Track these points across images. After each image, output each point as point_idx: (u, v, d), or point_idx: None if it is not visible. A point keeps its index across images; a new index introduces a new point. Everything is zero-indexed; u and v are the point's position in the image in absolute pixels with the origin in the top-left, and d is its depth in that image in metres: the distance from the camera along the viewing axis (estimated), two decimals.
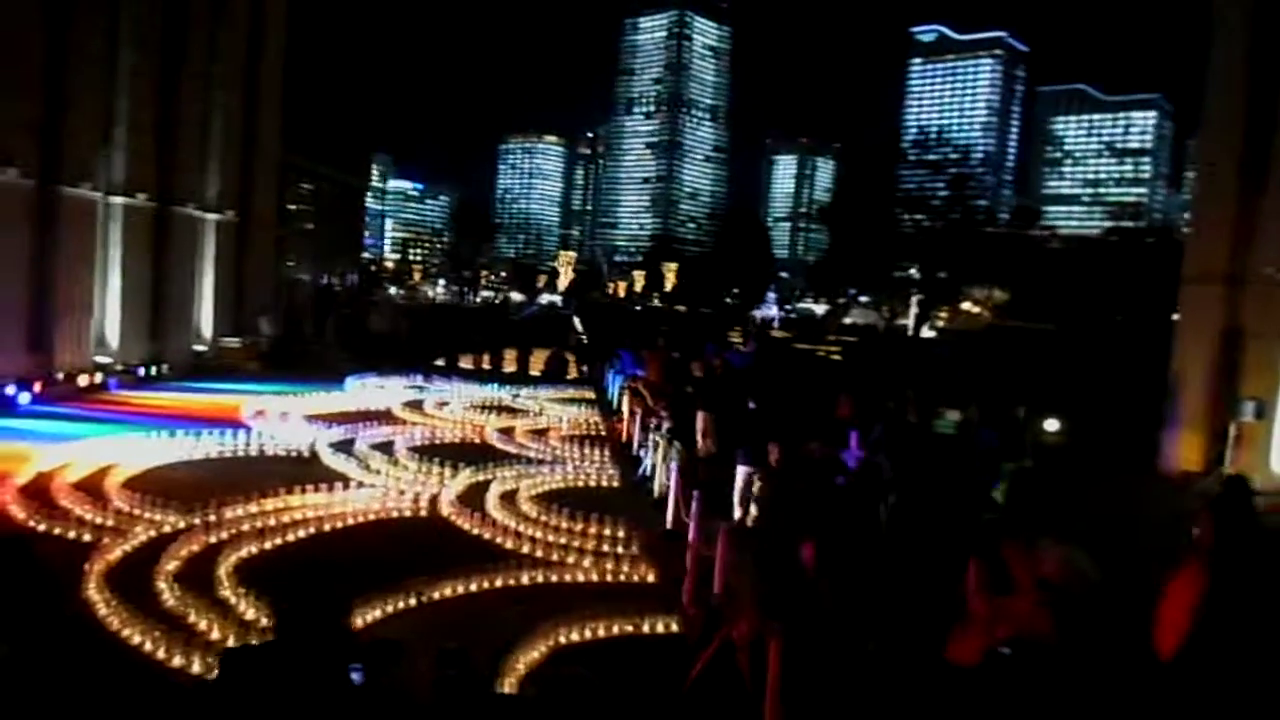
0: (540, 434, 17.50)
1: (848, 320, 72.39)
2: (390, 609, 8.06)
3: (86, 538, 9.64)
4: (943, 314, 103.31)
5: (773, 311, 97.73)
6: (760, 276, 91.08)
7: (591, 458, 15.39)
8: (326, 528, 10.42)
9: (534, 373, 27.14)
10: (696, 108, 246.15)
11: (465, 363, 28.21)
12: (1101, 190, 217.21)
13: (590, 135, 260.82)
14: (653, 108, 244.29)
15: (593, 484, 13.93)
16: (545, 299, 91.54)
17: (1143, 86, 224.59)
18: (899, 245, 70.88)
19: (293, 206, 51.53)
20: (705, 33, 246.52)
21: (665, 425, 13.66)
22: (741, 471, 10.47)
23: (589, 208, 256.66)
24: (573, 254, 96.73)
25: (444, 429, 17.08)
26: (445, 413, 18.97)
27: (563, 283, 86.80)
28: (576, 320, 68.45)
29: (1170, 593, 5.80)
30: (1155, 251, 68.51)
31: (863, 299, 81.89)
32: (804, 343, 44.37)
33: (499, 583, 9.05)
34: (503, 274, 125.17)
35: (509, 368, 27.88)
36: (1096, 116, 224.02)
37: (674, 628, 8.30)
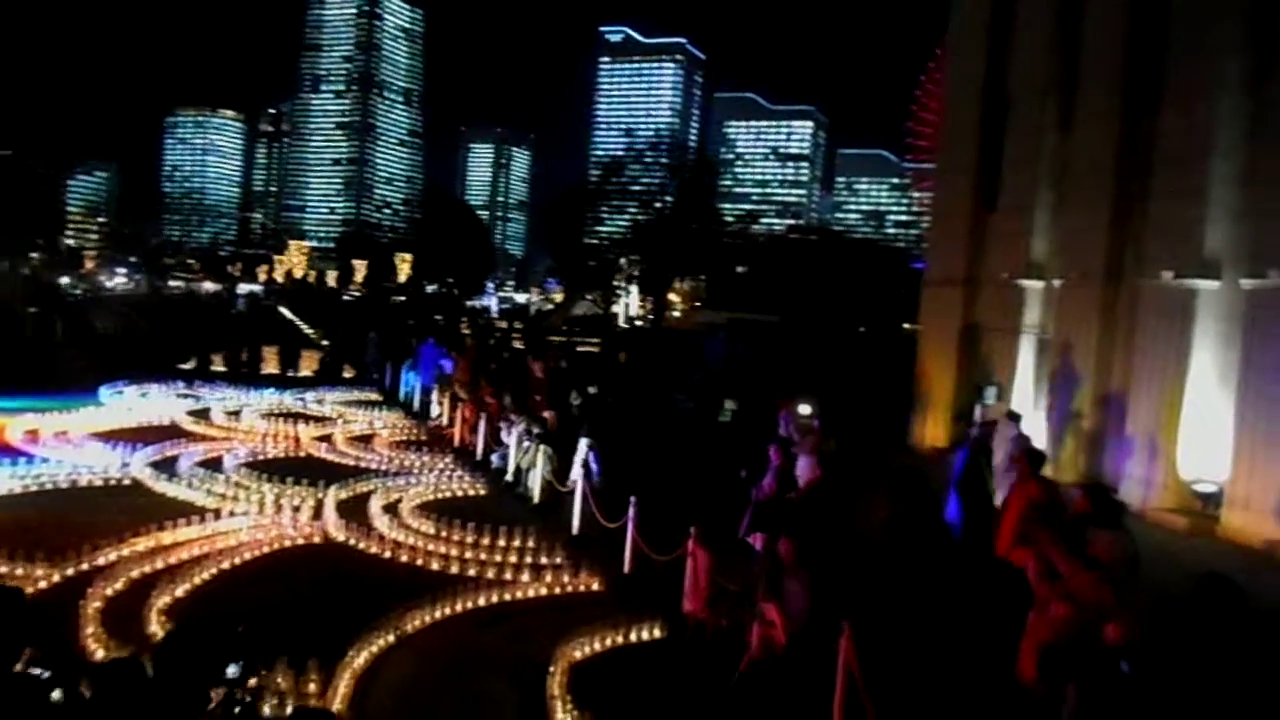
0: (364, 441, 16.67)
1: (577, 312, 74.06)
2: (375, 650, 7.59)
3: None
4: (646, 304, 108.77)
5: (491, 302, 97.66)
6: (478, 266, 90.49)
7: (438, 466, 14.96)
8: (226, 565, 9.44)
9: (306, 374, 25.46)
10: (389, 90, 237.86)
11: (218, 365, 25.87)
12: (769, 191, 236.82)
13: (273, 112, 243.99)
14: (343, 87, 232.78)
15: (460, 493, 13.60)
16: (244, 289, 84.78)
17: (802, 99, 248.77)
18: (611, 238, 73.47)
19: None
20: (397, 13, 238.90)
21: (535, 430, 13.64)
22: (582, 443, 12.87)
23: (273, 189, 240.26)
24: (306, 244, 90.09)
25: (258, 442, 15.77)
26: (245, 423, 17.45)
27: (280, 275, 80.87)
28: (286, 312, 64.34)
29: None
30: (832, 248, 76.52)
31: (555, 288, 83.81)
32: (543, 335, 44.92)
33: (457, 608, 8.76)
34: (189, 262, 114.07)
35: (270, 369, 25.94)
36: (764, 123, 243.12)
37: (657, 633, 8.51)
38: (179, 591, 8.47)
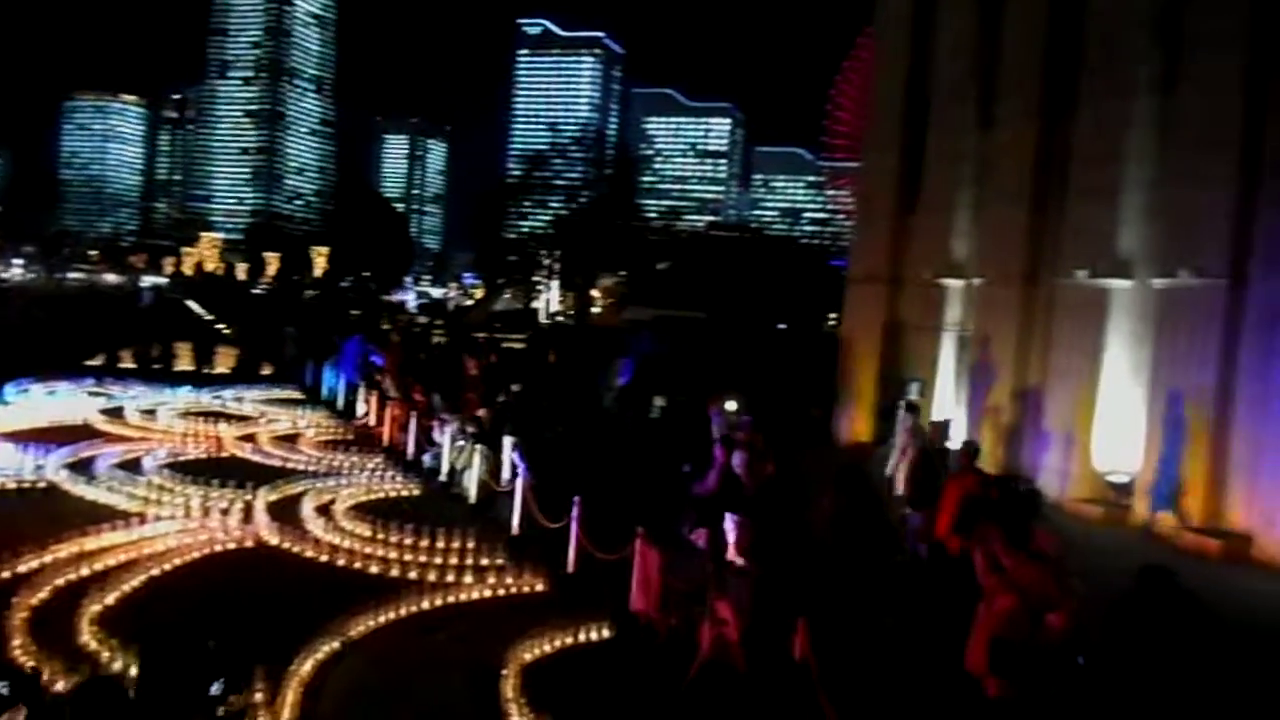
0: (289, 441, 16.23)
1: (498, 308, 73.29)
2: (321, 657, 7.40)
3: None
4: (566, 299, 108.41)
5: (409, 297, 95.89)
6: (396, 261, 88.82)
7: (368, 466, 14.65)
8: (156, 571, 9.09)
9: (222, 371, 24.64)
10: (300, 77, 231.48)
11: (127, 361, 24.86)
12: (687, 187, 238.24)
13: (177, 97, 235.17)
14: (251, 73, 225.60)
15: (394, 494, 13.34)
16: (149, 281, 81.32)
17: (719, 96, 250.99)
18: (533, 233, 73.00)
19: None
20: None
21: (470, 430, 13.47)
22: (507, 442, 12.80)
23: (177, 178, 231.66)
24: (217, 236, 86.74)
25: (177, 443, 15.22)
26: (162, 423, 16.80)
27: (188, 268, 77.74)
28: (194, 306, 62.22)
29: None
30: (754, 245, 77.35)
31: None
32: (466, 331, 44.31)
33: (402, 612, 8.60)
34: (90, 253, 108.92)
35: (183, 366, 25.05)
36: (682, 119, 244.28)
37: (605, 633, 8.48)
38: (109, 600, 8.12)
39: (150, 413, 17.74)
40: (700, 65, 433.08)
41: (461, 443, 13.60)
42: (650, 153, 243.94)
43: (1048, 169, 17.88)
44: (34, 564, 8.74)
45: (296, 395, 21.86)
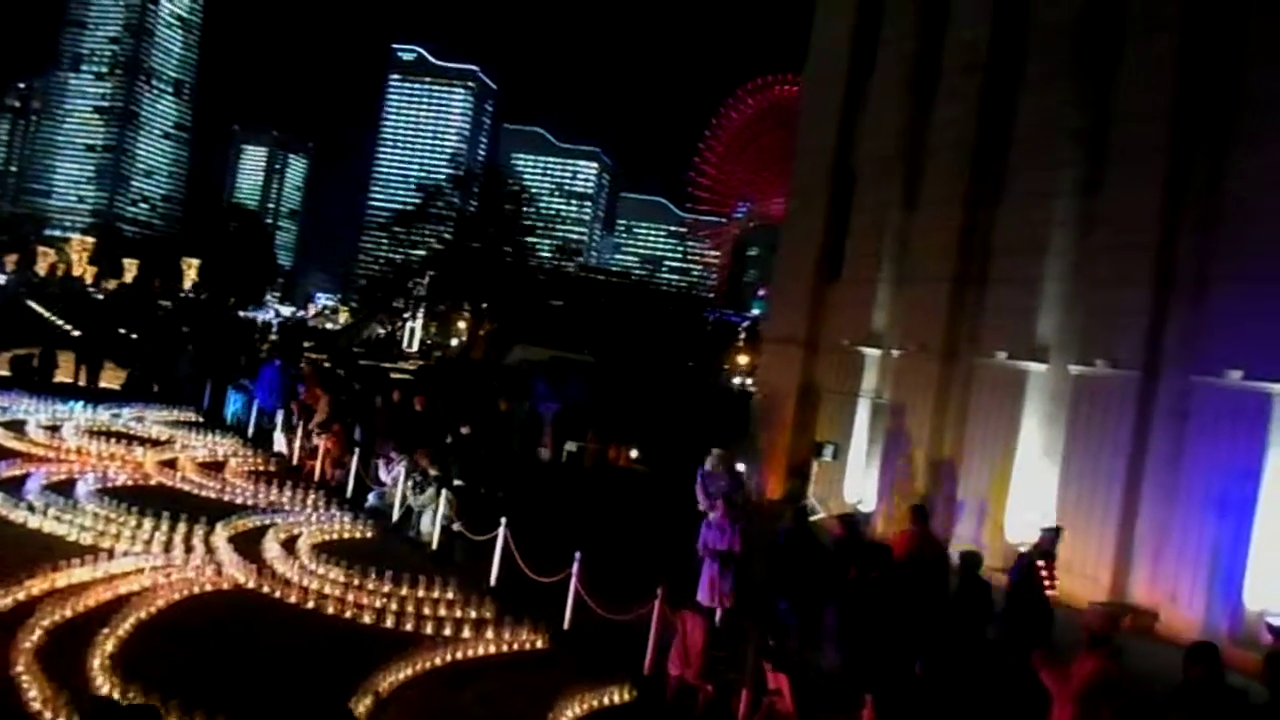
0: (213, 469, 15.30)
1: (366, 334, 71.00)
2: (363, 710, 7.07)
3: None
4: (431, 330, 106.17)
5: (269, 315, 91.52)
6: (261, 276, 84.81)
7: (308, 502, 13.96)
8: (143, 614, 8.41)
9: (111, 387, 22.89)
10: (159, 78, 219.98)
11: (3, 368, 22.85)
12: (553, 227, 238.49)
13: (22, 86, 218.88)
14: (106, 69, 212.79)
15: (347, 535, 12.78)
16: None
17: (588, 139, 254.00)
18: (410, 262, 71.52)
19: None
20: (175, 1, 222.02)
21: (433, 472, 13.08)
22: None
23: (14, 169, 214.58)
24: (89, 239, 79.91)
25: (93, 465, 14.12)
26: (71, 442, 15.49)
27: (43, 268, 71.53)
28: (36, 307, 57.62)
29: None
30: (641, 292, 78.09)
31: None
32: (348, 358, 42.93)
33: (418, 668, 8.29)
34: None
35: (63, 378, 23.19)
36: (551, 159, 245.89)
37: (628, 695, 8.42)
38: (109, 647, 7.47)
39: (54, 429, 16.37)
40: (570, 108, 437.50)
41: (415, 484, 13.19)
42: (517, 189, 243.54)
43: (969, 253, 18.99)
44: (8, 601, 7.96)
45: (194, 418, 20.61)
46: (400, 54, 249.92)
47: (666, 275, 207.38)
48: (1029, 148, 18.17)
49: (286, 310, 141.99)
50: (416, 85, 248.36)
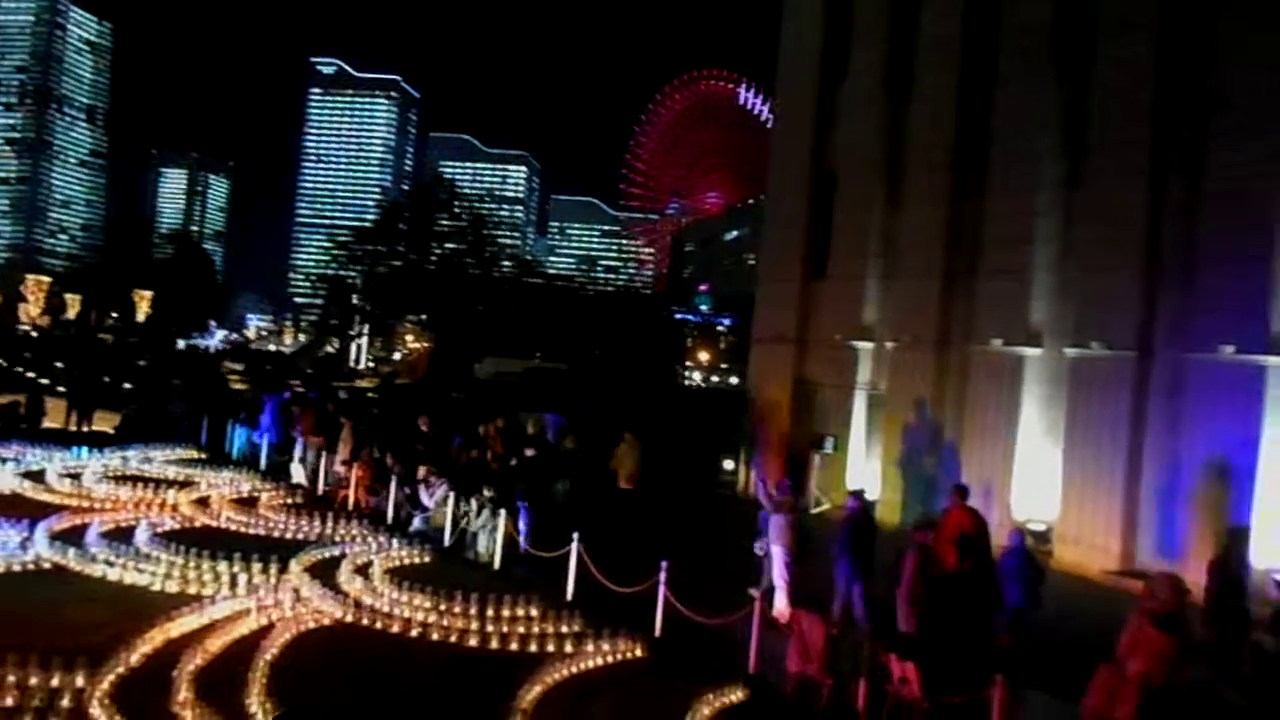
0: (248, 505, 15.32)
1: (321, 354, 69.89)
2: None
3: None
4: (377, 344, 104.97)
5: (213, 341, 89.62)
6: (206, 304, 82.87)
7: (355, 532, 14.09)
8: (268, 657, 8.56)
9: (104, 430, 22.48)
10: (70, 105, 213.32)
11: None
12: (486, 232, 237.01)
13: None
14: (14, 99, 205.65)
15: (408, 561, 12.95)
16: None
17: (516, 144, 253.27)
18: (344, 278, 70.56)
19: None
20: (83, 25, 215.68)
21: (489, 493, 13.32)
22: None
23: None
24: (45, 279, 76.71)
25: (130, 510, 14.06)
26: (101, 490, 15.33)
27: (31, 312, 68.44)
28: None
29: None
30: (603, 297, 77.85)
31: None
32: (325, 380, 42.38)
33: (546, 683, 8.60)
34: None
35: (50, 423, 22.73)
36: (479, 165, 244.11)
37: (739, 695, 8.82)
38: (255, 690, 7.65)
39: (74, 477, 16.16)
40: (496, 113, 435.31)
41: (471, 506, 13.42)
42: (445, 197, 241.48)
43: (958, 246, 19.75)
44: (135, 656, 8.08)
45: (197, 454, 20.44)
46: (319, 67, 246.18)
47: (601, 274, 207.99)
48: (1009, 143, 18.95)
49: (220, 334, 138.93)
50: (338, 97, 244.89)
